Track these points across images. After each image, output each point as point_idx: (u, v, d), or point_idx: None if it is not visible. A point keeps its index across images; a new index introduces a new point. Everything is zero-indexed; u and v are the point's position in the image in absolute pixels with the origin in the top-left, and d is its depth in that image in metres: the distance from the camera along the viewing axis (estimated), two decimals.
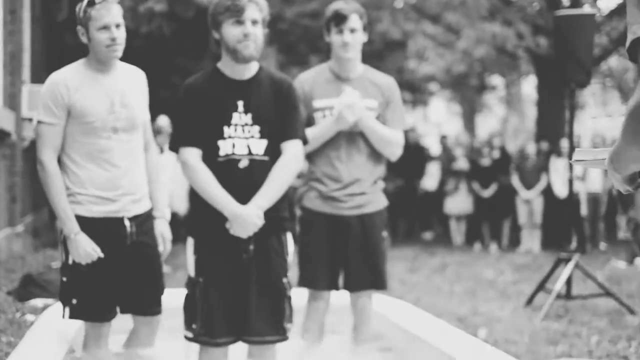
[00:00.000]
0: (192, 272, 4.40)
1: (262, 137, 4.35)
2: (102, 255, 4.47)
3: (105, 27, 4.46)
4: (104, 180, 4.51)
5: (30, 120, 12.42)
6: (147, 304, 4.71)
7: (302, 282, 5.28)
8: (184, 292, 4.44)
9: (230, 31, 4.31)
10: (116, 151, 4.53)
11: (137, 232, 4.60)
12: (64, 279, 4.56)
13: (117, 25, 4.49)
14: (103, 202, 4.52)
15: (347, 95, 5.10)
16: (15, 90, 11.22)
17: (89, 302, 4.54)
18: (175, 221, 12.27)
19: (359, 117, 5.09)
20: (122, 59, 4.64)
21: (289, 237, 4.54)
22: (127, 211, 4.57)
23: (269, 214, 4.31)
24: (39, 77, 14.24)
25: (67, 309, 4.57)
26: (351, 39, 5.16)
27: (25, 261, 9.70)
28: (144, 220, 4.67)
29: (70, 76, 4.51)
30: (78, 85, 4.49)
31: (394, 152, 5.29)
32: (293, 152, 4.40)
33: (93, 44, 4.50)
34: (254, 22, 4.32)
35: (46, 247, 11.59)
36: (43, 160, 4.46)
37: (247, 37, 4.29)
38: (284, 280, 4.44)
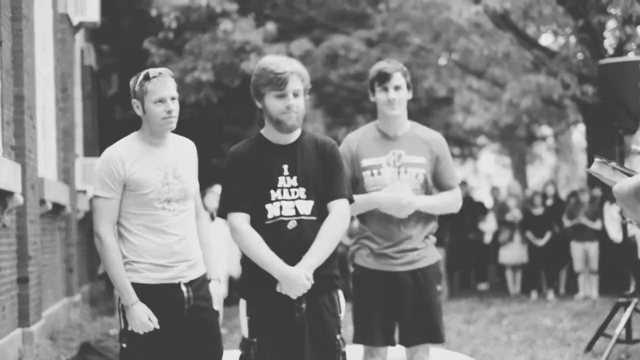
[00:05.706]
0: (245, 333, 4.42)
1: (308, 198, 4.39)
2: (157, 327, 4.52)
3: (162, 100, 4.56)
4: (159, 248, 4.58)
5: (84, 192, 12.67)
6: None
7: (358, 339, 5.28)
8: (238, 353, 4.46)
9: (273, 103, 4.36)
10: (170, 220, 4.61)
11: (194, 297, 4.65)
12: (124, 345, 4.59)
13: (173, 98, 4.60)
14: (160, 269, 4.58)
15: (395, 189, 5.13)
16: (68, 165, 11.47)
17: None
18: (230, 284, 12.37)
19: (409, 212, 5.15)
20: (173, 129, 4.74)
21: (340, 294, 4.56)
22: (183, 277, 4.63)
23: (320, 272, 4.32)
24: (91, 150, 14.53)
25: None
26: (396, 96, 5.22)
27: (83, 329, 9.83)
28: (200, 285, 4.72)
29: (124, 151, 4.60)
30: (133, 159, 4.58)
31: (454, 208, 5.39)
32: (340, 211, 4.43)
33: (148, 116, 4.60)
34: (296, 94, 4.39)
35: (103, 315, 11.74)
36: (100, 233, 4.54)
37: (290, 108, 4.36)
38: (338, 337, 4.43)
